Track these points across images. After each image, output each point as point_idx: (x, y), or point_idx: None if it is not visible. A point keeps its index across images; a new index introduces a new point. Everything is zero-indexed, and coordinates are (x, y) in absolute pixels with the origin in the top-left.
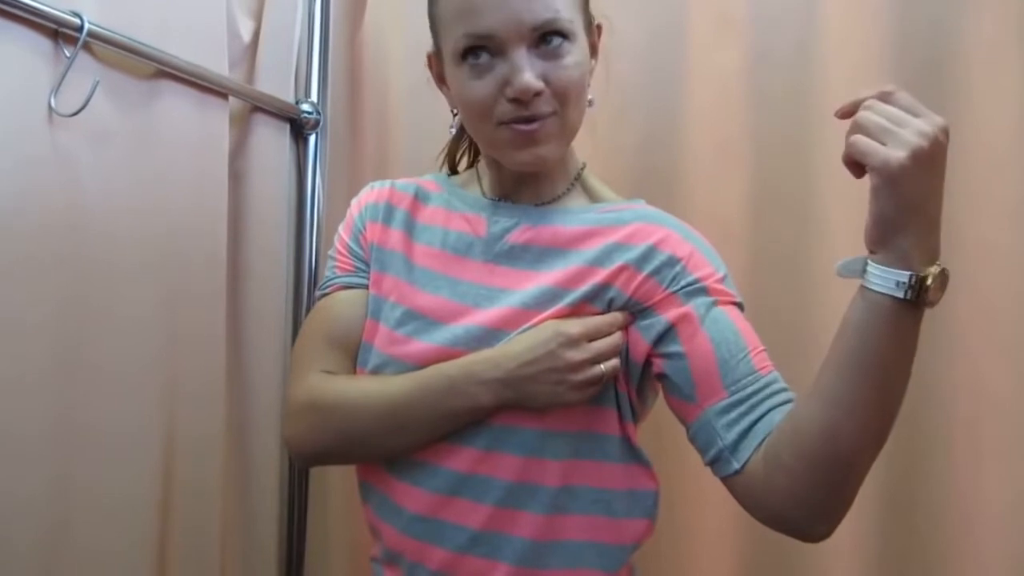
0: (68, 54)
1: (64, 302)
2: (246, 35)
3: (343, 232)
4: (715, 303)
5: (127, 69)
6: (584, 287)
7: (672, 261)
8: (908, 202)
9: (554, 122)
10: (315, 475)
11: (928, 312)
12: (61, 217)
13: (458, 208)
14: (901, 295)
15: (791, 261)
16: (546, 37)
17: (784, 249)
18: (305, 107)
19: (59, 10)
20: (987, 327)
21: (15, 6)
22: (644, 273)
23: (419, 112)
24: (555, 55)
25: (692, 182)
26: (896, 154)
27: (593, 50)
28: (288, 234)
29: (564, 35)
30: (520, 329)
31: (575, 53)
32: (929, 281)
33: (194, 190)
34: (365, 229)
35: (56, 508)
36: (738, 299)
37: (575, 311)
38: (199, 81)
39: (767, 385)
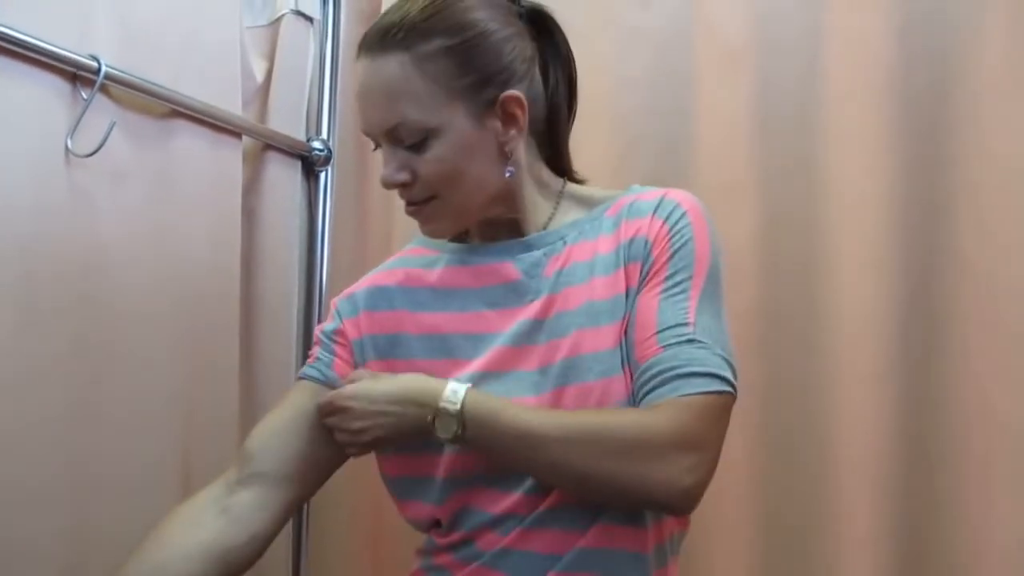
0: (85, 96)
1: (80, 338)
2: (259, 75)
3: (324, 321)
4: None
5: (142, 110)
6: (620, 293)
7: (647, 245)
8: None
9: (436, 204)
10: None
11: (940, 344)
12: (78, 255)
13: (472, 262)
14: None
15: (800, 291)
16: (404, 137)
17: (793, 280)
18: (316, 144)
19: (77, 54)
20: (999, 359)
21: (35, 50)
22: (637, 262)
23: None
24: (419, 149)
25: None
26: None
27: (510, 121)
28: (299, 268)
29: (422, 134)
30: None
31: (438, 147)
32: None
33: (208, 227)
34: (344, 324)
35: (72, 550)
36: (678, 277)
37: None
38: (213, 121)
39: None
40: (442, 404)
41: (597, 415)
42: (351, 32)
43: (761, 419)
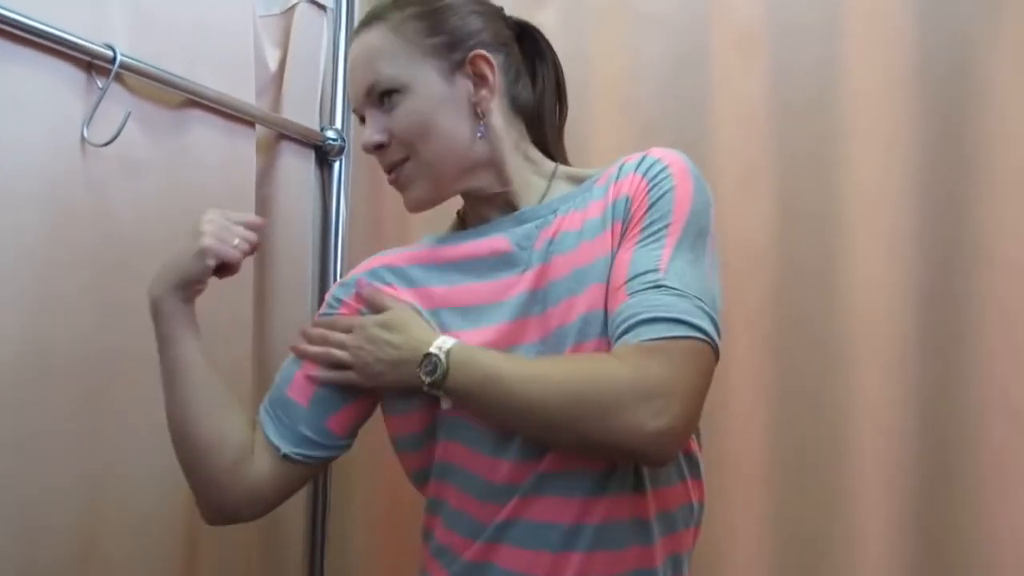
0: (100, 85)
1: (95, 326)
2: (273, 64)
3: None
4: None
5: (157, 99)
6: (605, 255)
7: (628, 202)
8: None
9: (410, 166)
10: (335, 487)
11: (959, 336)
12: (94, 243)
13: (465, 241)
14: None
15: (818, 279)
16: (381, 96)
17: (810, 267)
18: (330, 134)
19: (93, 43)
20: (1016, 349)
21: (51, 39)
22: (619, 220)
23: None
24: (391, 107)
25: (717, 203)
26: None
27: (480, 79)
28: (313, 258)
29: (394, 90)
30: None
31: (409, 101)
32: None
33: None
34: (343, 304)
35: (87, 536)
36: (654, 227)
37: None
38: (227, 110)
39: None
40: (432, 348)
41: (566, 363)
42: None
43: (777, 410)
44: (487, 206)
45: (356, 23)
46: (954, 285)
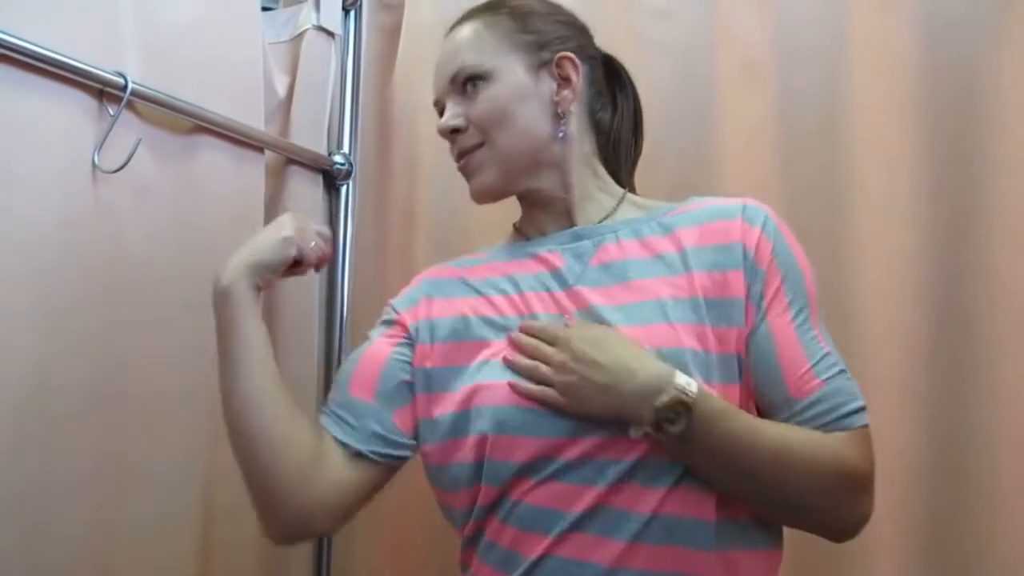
0: (112, 112)
1: (106, 352)
2: (281, 90)
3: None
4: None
5: (167, 125)
6: (696, 295)
7: (749, 255)
8: (588, 411)
9: (482, 152)
10: None
11: (971, 356)
12: (104, 269)
13: (520, 254)
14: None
15: (826, 300)
16: (464, 84)
17: (818, 288)
18: (337, 158)
19: (104, 70)
20: None
21: (63, 67)
22: (738, 270)
23: (447, 162)
24: (474, 94)
25: None
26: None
27: (564, 81)
28: (320, 280)
29: (478, 77)
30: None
31: (491, 88)
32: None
33: (231, 241)
34: (401, 315)
35: (101, 547)
36: (799, 304)
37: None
38: (236, 136)
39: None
40: (677, 389)
41: (810, 443)
42: (372, 47)
43: None
44: (544, 214)
45: (364, 49)
46: (966, 303)
